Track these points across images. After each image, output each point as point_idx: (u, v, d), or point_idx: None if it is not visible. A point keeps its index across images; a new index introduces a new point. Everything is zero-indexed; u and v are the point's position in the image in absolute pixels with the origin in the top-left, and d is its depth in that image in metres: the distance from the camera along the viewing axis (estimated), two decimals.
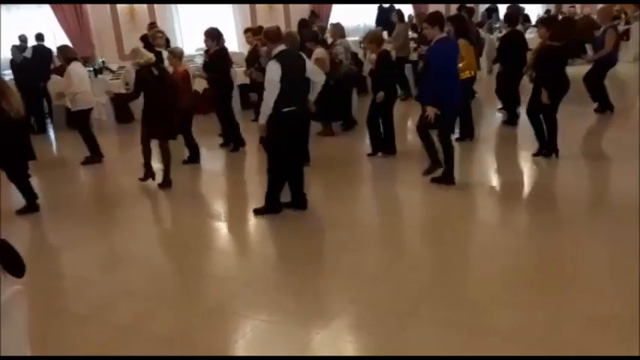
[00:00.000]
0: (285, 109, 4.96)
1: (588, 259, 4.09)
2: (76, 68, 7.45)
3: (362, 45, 10.64)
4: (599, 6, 9.75)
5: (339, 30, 8.55)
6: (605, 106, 8.28)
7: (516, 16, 8.37)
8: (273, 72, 4.87)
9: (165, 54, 7.86)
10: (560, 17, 13.56)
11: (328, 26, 10.84)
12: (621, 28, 13.24)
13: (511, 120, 8.07)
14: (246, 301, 3.89)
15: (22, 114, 5.68)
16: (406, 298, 3.72)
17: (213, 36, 7.40)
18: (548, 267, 4.02)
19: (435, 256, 4.47)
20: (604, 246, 4.31)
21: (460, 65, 6.33)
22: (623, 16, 13.78)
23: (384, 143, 6.95)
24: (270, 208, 5.33)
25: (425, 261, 4.37)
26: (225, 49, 7.59)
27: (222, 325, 3.62)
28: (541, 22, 6.92)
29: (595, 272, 3.90)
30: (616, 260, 4.08)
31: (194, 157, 7.34)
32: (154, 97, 6.16)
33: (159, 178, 6.49)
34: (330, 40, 9.02)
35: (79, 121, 7.72)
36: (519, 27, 9.11)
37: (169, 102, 6.23)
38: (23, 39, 11.00)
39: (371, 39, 6.94)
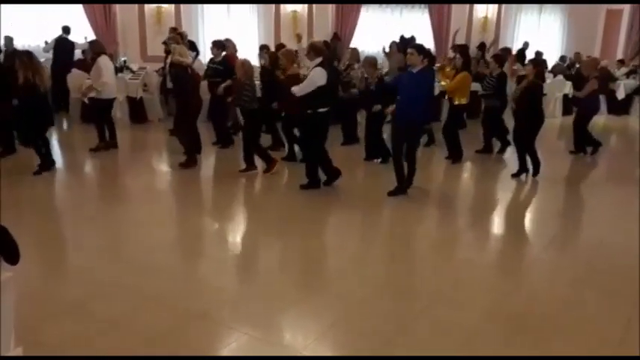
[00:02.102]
0: (322, 110, 6.16)
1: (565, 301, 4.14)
2: (105, 61, 8.08)
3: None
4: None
5: (356, 55, 9.14)
6: (581, 149, 8.85)
7: (504, 58, 9.10)
8: (320, 76, 6.09)
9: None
10: (577, 66, 13.72)
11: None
12: (637, 82, 13.34)
13: (502, 148, 8.88)
14: (234, 312, 3.96)
15: (48, 88, 7.30)
16: (390, 324, 3.78)
17: (219, 45, 8.67)
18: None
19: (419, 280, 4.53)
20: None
21: (443, 84, 8.06)
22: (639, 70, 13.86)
23: (380, 151, 7.97)
24: (314, 183, 6.55)
25: (411, 286, 4.42)
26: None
27: (206, 332, 3.68)
28: (530, 61, 7.86)
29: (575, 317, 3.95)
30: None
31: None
32: (192, 92, 7.39)
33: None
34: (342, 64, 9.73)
35: (102, 109, 8.17)
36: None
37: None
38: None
39: (370, 63, 7.84)
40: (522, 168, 7.44)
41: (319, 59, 6.15)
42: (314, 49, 6.24)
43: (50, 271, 4.59)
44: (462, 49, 8.62)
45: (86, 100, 8.79)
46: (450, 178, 7.81)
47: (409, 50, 6.33)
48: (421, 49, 6.30)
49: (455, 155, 8.16)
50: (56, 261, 4.87)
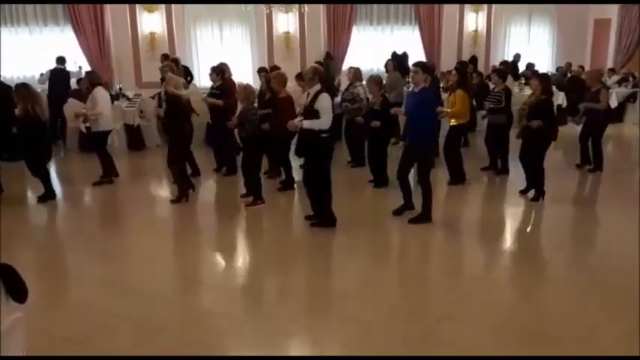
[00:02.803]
0: (324, 135, 5.72)
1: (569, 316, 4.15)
2: (102, 92, 8.02)
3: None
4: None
5: (358, 74, 8.92)
6: (597, 165, 8.46)
7: (506, 73, 8.86)
8: (329, 101, 5.76)
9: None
10: (568, 75, 13.86)
11: (345, 69, 11.12)
12: (629, 90, 13.47)
13: (503, 169, 8.43)
14: (235, 340, 3.96)
15: (47, 119, 7.32)
16: (396, 346, 3.78)
17: (218, 71, 8.41)
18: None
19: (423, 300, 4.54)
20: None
21: (448, 111, 7.57)
22: (631, 78, 13.99)
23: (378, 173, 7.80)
24: (329, 221, 6.05)
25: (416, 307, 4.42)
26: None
27: None
28: (536, 76, 7.29)
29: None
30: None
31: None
32: (186, 120, 7.31)
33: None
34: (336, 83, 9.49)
35: (99, 142, 8.10)
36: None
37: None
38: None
39: (375, 81, 7.69)
40: (530, 184, 7.16)
41: (319, 85, 5.76)
42: (319, 74, 5.81)
43: (52, 306, 4.56)
44: (461, 67, 8.47)
45: (83, 129, 8.83)
46: (455, 198, 7.51)
47: (413, 69, 6.11)
48: (425, 68, 6.11)
49: (456, 178, 7.84)
50: (58, 295, 4.85)
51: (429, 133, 6.20)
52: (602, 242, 5.99)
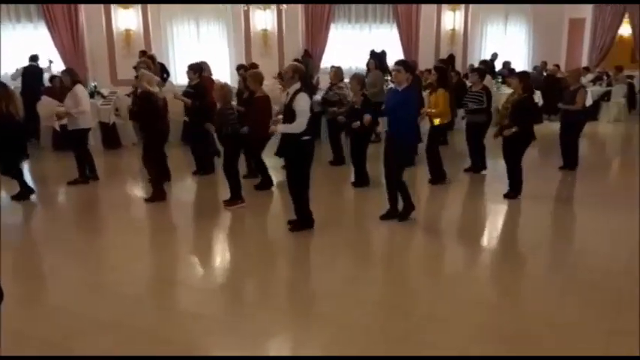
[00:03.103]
0: (305, 138, 5.55)
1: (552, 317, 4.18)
2: (82, 89, 7.89)
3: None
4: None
5: (339, 74, 8.84)
6: (573, 163, 8.56)
7: (485, 72, 8.98)
8: (308, 102, 5.53)
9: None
10: (544, 74, 14.03)
11: (323, 68, 11.05)
12: (603, 89, 13.69)
13: (482, 166, 8.41)
14: (216, 340, 3.91)
15: (22, 117, 7.13)
16: (380, 345, 3.76)
17: (196, 69, 8.14)
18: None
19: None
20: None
21: (433, 111, 7.53)
22: (605, 77, 14.23)
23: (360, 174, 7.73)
24: (307, 222, 5.92)
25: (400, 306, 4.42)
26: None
27: None
28: (516, 74, 7.33)
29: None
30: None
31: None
32: (157, 121, 7.06)
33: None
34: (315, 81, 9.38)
35: (78, 140, 7.90)
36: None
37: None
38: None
39: (358, 80, 7.57)
40: (511, 183, 7.15)
41: (299, 84, 5.55)
42: (299, 72, 5.60)
43: (28, 307, 4.43)
44: (441, 66, 8.41)
45: (57, 127, 8.65)
46: (437, 197, 7.55)
47: (395, 67, 5.99)
48: (407, 66, 6.01)
49: (437, 176, 7.81)
50: (33, 296, 4.71)
51: (411, 133, 6.13)
52: (580, 240, 6.06)
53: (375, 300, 4.55)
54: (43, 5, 12.48)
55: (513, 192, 7.09)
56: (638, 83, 14.39)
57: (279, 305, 4.52)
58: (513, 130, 6.74)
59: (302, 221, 5.94)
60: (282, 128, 5.61)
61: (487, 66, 12.54)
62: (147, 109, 6.91)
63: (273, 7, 14.08)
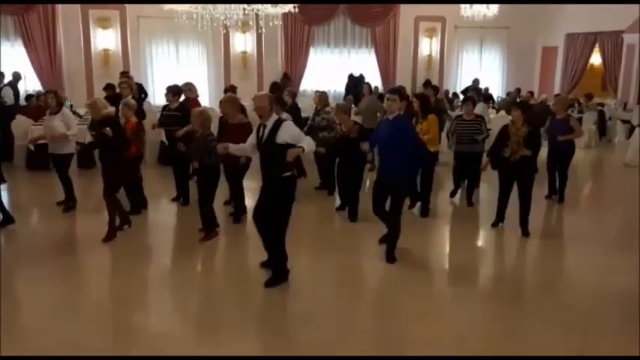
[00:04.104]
0: (287, 174, 4.98)
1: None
2: (70, 112, 7.71)
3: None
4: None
5: (324, 98, 8.75)
6: (558, 193, 8.40)
7: (475, 101, 8.80)
8: (294, 126, 5.04)
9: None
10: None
11: (302, 90, 11.13)
12: (575, 115, 14.01)
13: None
14: None
15: None
16: None
17: (175, 91, 7.93)
18: None
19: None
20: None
21: (426, 137, 7.10)
22: (576, 104, 14.58)
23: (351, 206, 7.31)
24: (283, 274, 5.25)
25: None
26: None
27: None
28: (517, 105, 7.01)
29: None
30: None
31: (135, 209, 7.32)
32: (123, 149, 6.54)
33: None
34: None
35: (65, 165, 7.64)
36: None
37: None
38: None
39: (343, 110, 7.36)
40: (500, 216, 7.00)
41: (276, 115, 5.10)
42: (281, 103, 5.39)
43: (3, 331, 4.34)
44: (421, 94, 8.24)
45: (32, 147, 8.52)
46: (428, 230, 7.20)
47: (390, 96, 5.65)
48: (402, 95, 5.71)
49: (424, 207, 7.53)
50: (7, 321, 4.62)
51: (407, 165, 5.70)
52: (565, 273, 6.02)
53: (362, 326, 4.55)
54: (21, 23, 12.41)
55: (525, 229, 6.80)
56: (609, 111, 14.78)
57: (256, 327, 4.48)
58: (527, 153, 6.47)
59: (277, 273, 5.26)
60: (305, 147, 4.90)
61: (480, 93, 12.67)
62: (117, 133, 6.40)
63: (253, 29, 14.18)
